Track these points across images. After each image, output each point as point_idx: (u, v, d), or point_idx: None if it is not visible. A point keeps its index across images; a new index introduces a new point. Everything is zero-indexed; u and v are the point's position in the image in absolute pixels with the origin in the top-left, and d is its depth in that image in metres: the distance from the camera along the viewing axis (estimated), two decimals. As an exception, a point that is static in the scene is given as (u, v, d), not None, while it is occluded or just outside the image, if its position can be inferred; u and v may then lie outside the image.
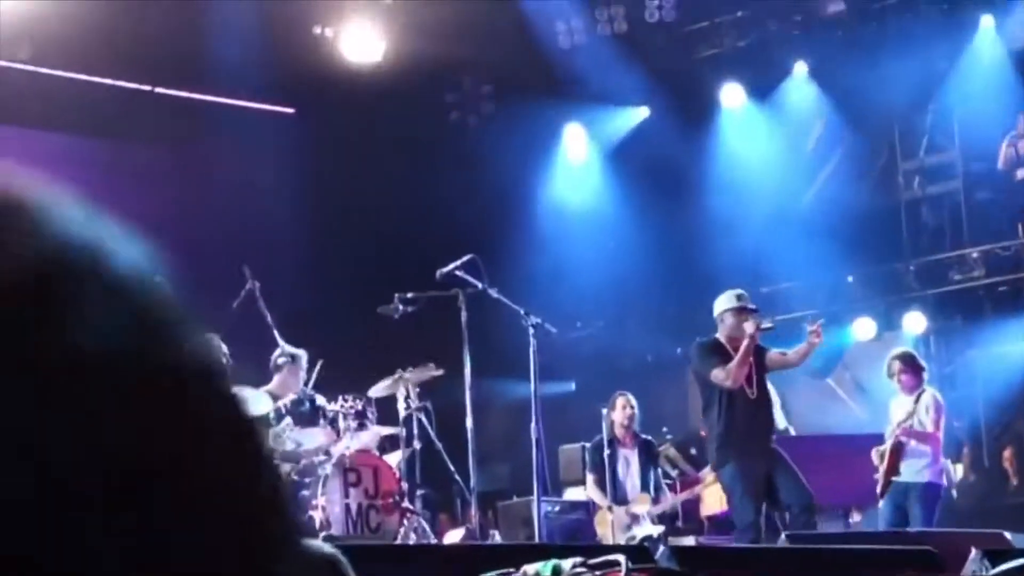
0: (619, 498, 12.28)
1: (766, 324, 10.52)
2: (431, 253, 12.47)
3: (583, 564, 5.87)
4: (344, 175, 14.43)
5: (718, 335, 10.65)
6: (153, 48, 13.69)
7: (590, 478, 12.50)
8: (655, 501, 12.26)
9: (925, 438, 11.54)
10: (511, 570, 5.73)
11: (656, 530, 12.07)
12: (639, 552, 6.27)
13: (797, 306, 15.50)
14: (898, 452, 11.53)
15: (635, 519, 12.22)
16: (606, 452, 12.20)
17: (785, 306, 15.24)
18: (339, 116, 14.54)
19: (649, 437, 12.68)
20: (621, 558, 5.87)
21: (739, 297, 10.60)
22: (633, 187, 16.24)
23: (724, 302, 10.63)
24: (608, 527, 12.11)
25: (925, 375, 11.98)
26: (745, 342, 10.28)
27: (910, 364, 11.92)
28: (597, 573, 5.88)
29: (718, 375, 10.36)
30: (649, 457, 12.50)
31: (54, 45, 13.31)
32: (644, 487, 12.39)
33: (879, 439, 11.92)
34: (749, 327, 10.33)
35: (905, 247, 16.79)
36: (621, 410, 12.39)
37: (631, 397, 12.53)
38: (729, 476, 10.37)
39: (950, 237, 17.02)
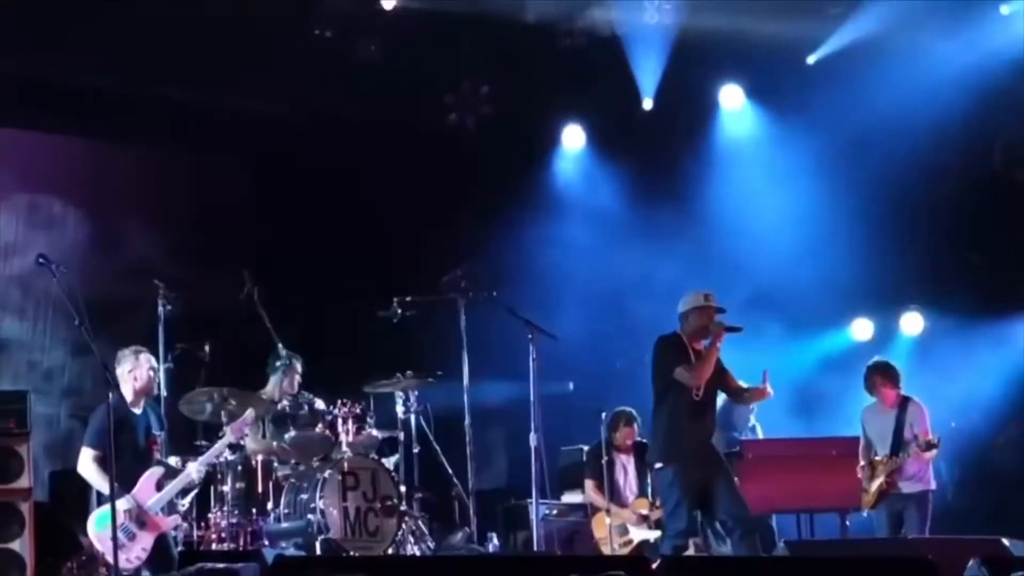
0: (617, 502, 12.32)
1: (734, 325, 10.35)
2: (432, 258, 12.51)
3: (582, 581, 5.92)
4: (347, 176, 14.38)
5: (679, 332, 10.45)
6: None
7: (589, 483, 12.52)
8: (652, 505, 12.28)
9: (923, 455, 11.48)
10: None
11: (653, 535, 12.08)
12: (637, 564, 6.31)
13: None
14: (898, 472, 11.49)
15: (632, 523, 12.26)
16: (604, 458, 12.23)
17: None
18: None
19: (645, 440, 12.62)
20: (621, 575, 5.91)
21: (707, 297, 10.45)
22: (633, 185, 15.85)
23: (691, 300, 10.45)
24: (605, 530, 12.12)
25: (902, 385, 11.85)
26: (713, 343, 10.19)
27: (892, 377, 11.82)
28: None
29: (682, 374, 10.20)
30: (645, 461, 12.47)
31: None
32: (642, 491, 12.43)
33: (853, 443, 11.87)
34: (716, 328, 10.23)
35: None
36: (624, 432, 12.55)
37: (636, 420, 12.55)
38: (668, 479, 10.20)
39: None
